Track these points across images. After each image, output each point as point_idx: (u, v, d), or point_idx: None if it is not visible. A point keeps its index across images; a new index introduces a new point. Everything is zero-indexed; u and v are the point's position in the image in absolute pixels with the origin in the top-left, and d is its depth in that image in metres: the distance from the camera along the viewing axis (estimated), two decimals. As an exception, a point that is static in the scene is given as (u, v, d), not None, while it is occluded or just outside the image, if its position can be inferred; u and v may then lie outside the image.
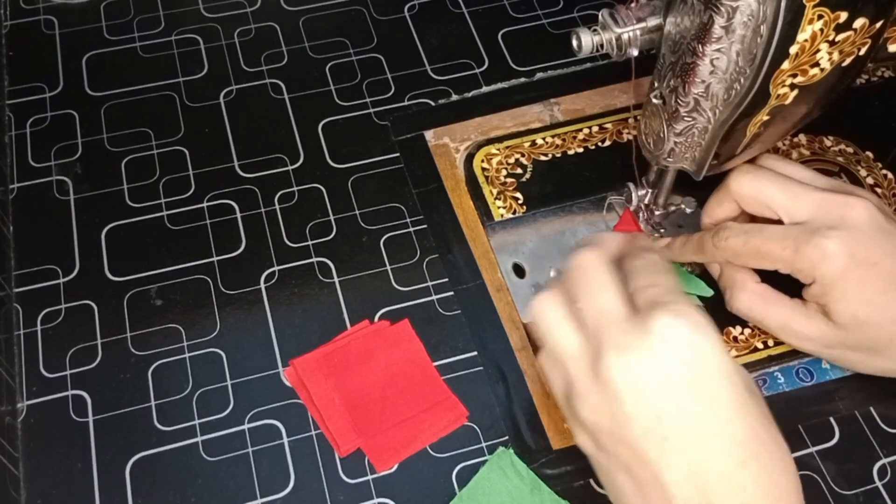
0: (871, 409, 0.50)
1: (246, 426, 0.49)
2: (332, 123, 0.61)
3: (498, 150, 0.59)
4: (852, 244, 0.44)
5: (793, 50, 0.39)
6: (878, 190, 0.58)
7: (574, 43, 0.46)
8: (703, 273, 0.53)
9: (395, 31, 0.66)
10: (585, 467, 0.47)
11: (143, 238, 0.56)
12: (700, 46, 0.41)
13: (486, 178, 0.58)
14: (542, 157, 0.59)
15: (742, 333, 0.52)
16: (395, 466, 0.48)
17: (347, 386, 0.50)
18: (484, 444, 0.49)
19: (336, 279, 0.54)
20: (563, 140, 0.60)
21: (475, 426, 0.50)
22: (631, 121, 0.61)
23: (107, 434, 0.49)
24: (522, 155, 0.59)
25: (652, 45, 0.45)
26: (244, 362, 0.51)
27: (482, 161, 0.59)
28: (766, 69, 0.40)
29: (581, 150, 0.60)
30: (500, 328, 0.53)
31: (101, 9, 0.66)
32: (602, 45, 0.45)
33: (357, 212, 0.57)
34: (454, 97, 0.63)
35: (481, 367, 0.51)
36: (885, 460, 0.49)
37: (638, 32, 0.44)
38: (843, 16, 0.38)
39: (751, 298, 0.48)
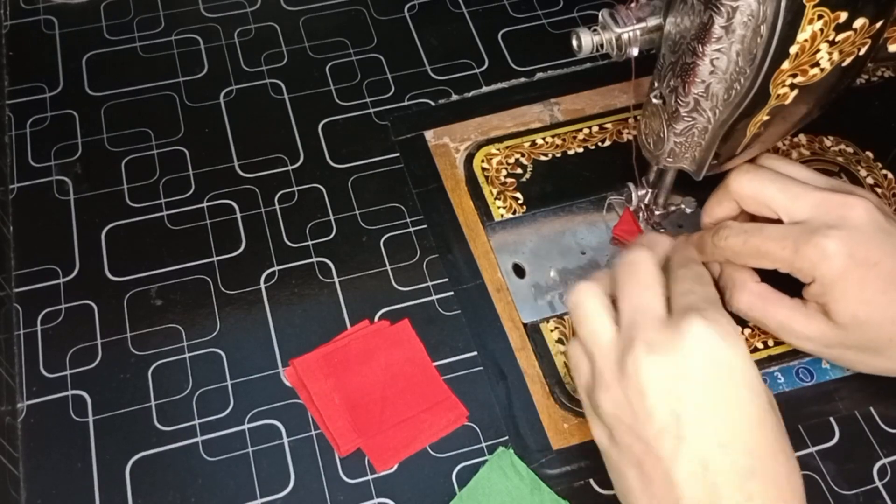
0: (871, 409, 0.50)
1: (246, 426, 0.49)
2: (332, 123, 0.61)
3: (498, 150, 0.59)
4: (852, 244, 0.44)
5: (793, 50, 0.39)
6: (878, 190, 0.58)
7: (574, 43, 0.46)
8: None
9: (395, 31, 0.66)
10: (585, 467, 0.47)
11: (143, 238, 0.56)
12: (700, 46, 0.41)
13: (486, 178, 0.58)
14: (542, 157, 0.59)
15: (742, 333, 0.52)
16: (395, 466, 0.48)
17: (347, 386, 0.50)
18: (484, 444, 0.49)
19: (336, 279, 0.54)
20: (563, 140, 0.60)
21: (475, 426, 0.50)
22: (631, 121, 0.61)
23: (107, 434, 0.49)
24: (522, 155, 0.59)
25: (652, 45, 0.45)
26: (244, 362, 0.51)
27: (482, 161, 0.59)
28: (766, 69, 0.40)
29: (581, 150, 0.60)
30: (500, 328, 0.53)
31: (101, 9, 0.66)
32: (602, 45, 0.45)
33: (357, 212, 0.57)
34: (454, 97, 0.63)
35: (481, 367, 0.51)
36: (885, 460, 0.49)
37: (638, 32, 0.44)
38: (843, 16, 0.38)
39: (750, 298, 0.48)
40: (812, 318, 0.47)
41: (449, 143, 0.60)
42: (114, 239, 0.56)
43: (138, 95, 0.62)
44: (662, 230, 0.55)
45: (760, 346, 0.52)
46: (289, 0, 0.68)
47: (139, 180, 0.58)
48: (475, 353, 0.52)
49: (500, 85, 0.63)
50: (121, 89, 0.62)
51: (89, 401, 0.50)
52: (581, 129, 0.61)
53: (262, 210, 0.57)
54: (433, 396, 0.50)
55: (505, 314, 0.53)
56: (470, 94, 0.63)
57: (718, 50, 0.40)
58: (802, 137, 0.60)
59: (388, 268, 0.55)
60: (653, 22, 0.44)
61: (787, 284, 0.47)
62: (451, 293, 0.54)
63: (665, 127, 0.46)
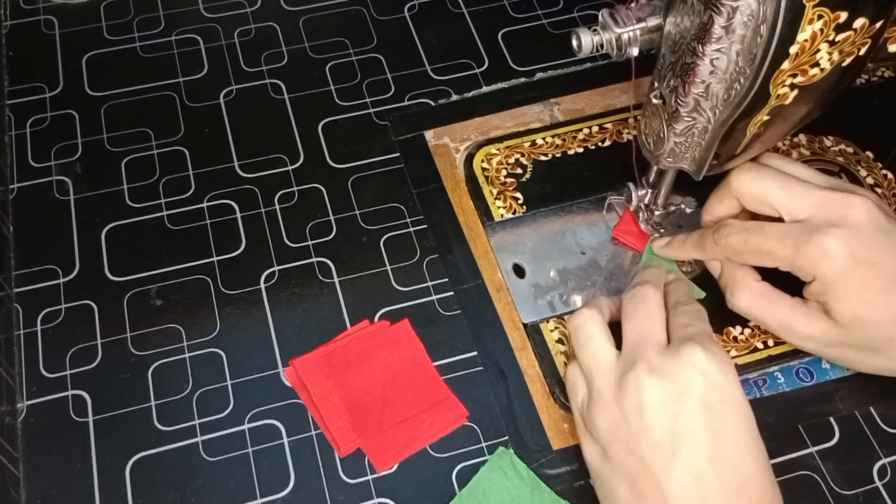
0: (871, 409, 0.50)
1: (246, 426, 0.49)
2: (332, 123, 0.61)
3: (498, 150, 0.59)
4: (853, 243, 0.44)
5: (793, 50, 0.39)
6: (878, 190, 0.58)
7: (574, 43, 0.46)
8: (703, 272, 0.53)
9: (395, 31, 0.66)
10: (585, 467, 0.47)
11: (143, 238, 0.56)
12: (700, 46, 0.41)
13: (486, 178, 0.58)
14: (542, 157, 0.59)
15: (742, 333, 0.52)
16: (395, 466, 0.48)
17: (347, 386, 0.50)
18: (484, 444, 0.49)
19: (336, 279, 0.54)
20: (563, 140, 0.60)
21: (475, 426, 0.50)
22: (631, 121, 0.61)
23: (107, 434, 0.49)
24: (522, 155, 0.59)
25: (652, 45, 0.45)
26: (244, 362, 0.51)
27: (482, 161, 0.59)
28: (766, 69, 0.40)
29: (581, 150, 0.60)
30: (500, 328, 0.53)
31: (101, 9, 0.66)
32: (602, 45, 0.45)
33: (357, 212, 0.57)
34: (454, 97, 0.63)
35: (481, 367, 0.51)
36: (885, 460, 0.49)
37: (638, 32, 0.44)
38: (843, 16, 0.38)
39: (751, 297, 0.48)
40: (813, 317, 0.47)
41: (449, 143, 0.60)
42: (114, 239, 0.56)
43: (138, 95, 0.62)
44: (662, 230, 0.55)
45: (760, 346, 0.52)
46: (289, 0, 0.68)
47: (139, 180, 0.58)
48: (475, 353, 0.52)
49: (500, 85, 0.63)
50: (121, 89, 0.62)
51: (89, 401, 0.50)
52: (581, 129, 0.61)
53: (262, 210, 0.57)
54: (433, 396, 0.50)
55: (505, 314, 0.53)
56: (470, 94, 0.63)
57: (718, 50, 0.40)
58: (802, 137, 0.60)
59: (388, 268, 0.55)
60: (653, 22, 0.44)
61: (788, 283, 0.47)
62: (451, 293, 0.54)
63: (665, 127, 0.46)
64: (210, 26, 0.66)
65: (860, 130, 0.60)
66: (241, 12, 0.67)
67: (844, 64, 0.41)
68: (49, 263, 0.54)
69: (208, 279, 0.54)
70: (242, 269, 0.55)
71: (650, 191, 0.54)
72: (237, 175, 0.58)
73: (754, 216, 0.49)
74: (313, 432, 0.49)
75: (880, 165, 0.59)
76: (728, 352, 0.51)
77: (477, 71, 0.64)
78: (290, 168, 0.59)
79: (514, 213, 0.57)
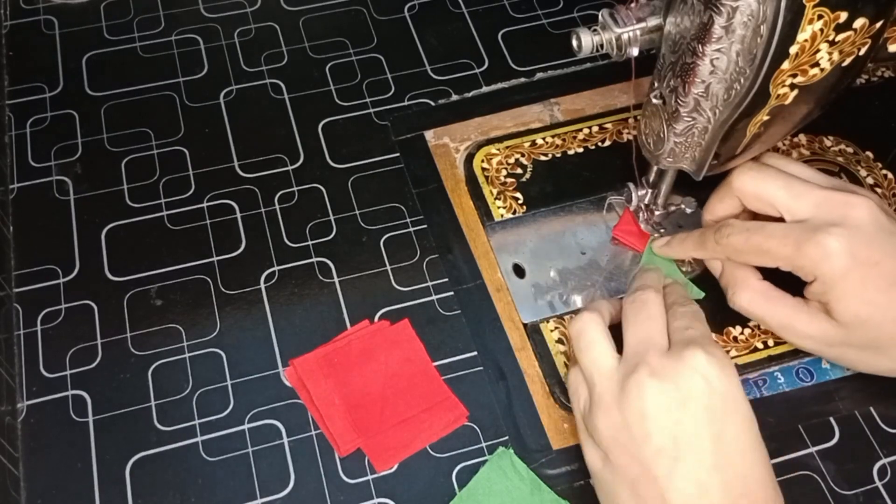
0: (871, 409, 0.50)
1: (246, 426, 0.49)
2: (332, 123, 0.61)
3: (498, 150, 0.59)
4: (854, 243, 0.44)
5: (793, 50, 0.39)
6: (879, 190, 0.58)
7: (574, 43, 0.46)
8: (703, 272, 0.53)
9: (395, 31, 0.66)
10: (585, 467, 0.47)
11: (143, 238, 0.56)
12: (700, 46, 0.41)
13: (486, 178, 0.58)
14: (542, 157, 0.59)
15: (742, 333, 0.52)
16: (395, 466, 0.48)
17: (347, 386, 0.50)
18: (484, 444, 0.49)
19: (336, 279, 0.54)
20: (563, 140, 0.60)
21: (475, 426, 0.50)
22: (631, 121, 0.61)
23: (107, 434, 0.49)
24: (522, 155, 0.59)
25: (652, 45, 0.45)
26: (244, 362, 0.51)
27: (482, 161, 0.59)
28: (766, 69, 0.40)
29: (581, 150, 0.60)
30: (500, 328, 0.53)
31: (101, 9, 0.66)
32: (602, 45, 0.45)
33: (357, 212, 0.57)
34: (454, 97, 0.63)
35: (481, 367, 0.51)
36: (885, 460, 0.49)
37: (638, 32, 0.44)
38: (843, 16, 0.38)
39: (752, 296, 0.48)
40: (813, 316, 0.47)
41: (449, 143, 0.60)
42: (114, 239, 0.56)
43: (138, 95, 0.62)
44: (662, 230, 0.55)
45: (760, 345, 0.52)
46: (289, 0, 0.68)
47: (139, 180, 0.58)
48: (475, 353, 0.52)
49: (500, 85, 0.63)
50: (121, 89, 0.62)
51: (89, 401, 0.50)
52: (581, 129, 0.61)
53: (262, 210, 0.57)
54: (433, 396, 0.50)
55: (505, 314, 0.53)
56: (470, 94, 0.63)
57: (718, 50, 0.40)
58: (802, 137, 0.60)
59: (388, 268, 0.55)
60: (653, 22, 0.44)
61: (789, 283, 0.47)
62: (451, 293, 0.54)
63: (665, 127, 0.46)
64: (210, 26, 0.66)
65: (860, 130, 0.60)
66: (241, 12, 0.67)
67: (844, 64, 0.41)
68: (49, 263, 0.54)
69: (208, 279, 0.54)
70: (242, 269, 0.55)
71: (650, 191, 0.54)
72: (237, 175, 0.58)
73: (755, 216, 0.49)
74: (313, 432, 0.49)
75: (880, 165, 0.59)
76: (728, 352, 0.51)
77: (477, 71, 0.64)
78: (290, 168, 0.59)
79: (514, 213, 0.57)
